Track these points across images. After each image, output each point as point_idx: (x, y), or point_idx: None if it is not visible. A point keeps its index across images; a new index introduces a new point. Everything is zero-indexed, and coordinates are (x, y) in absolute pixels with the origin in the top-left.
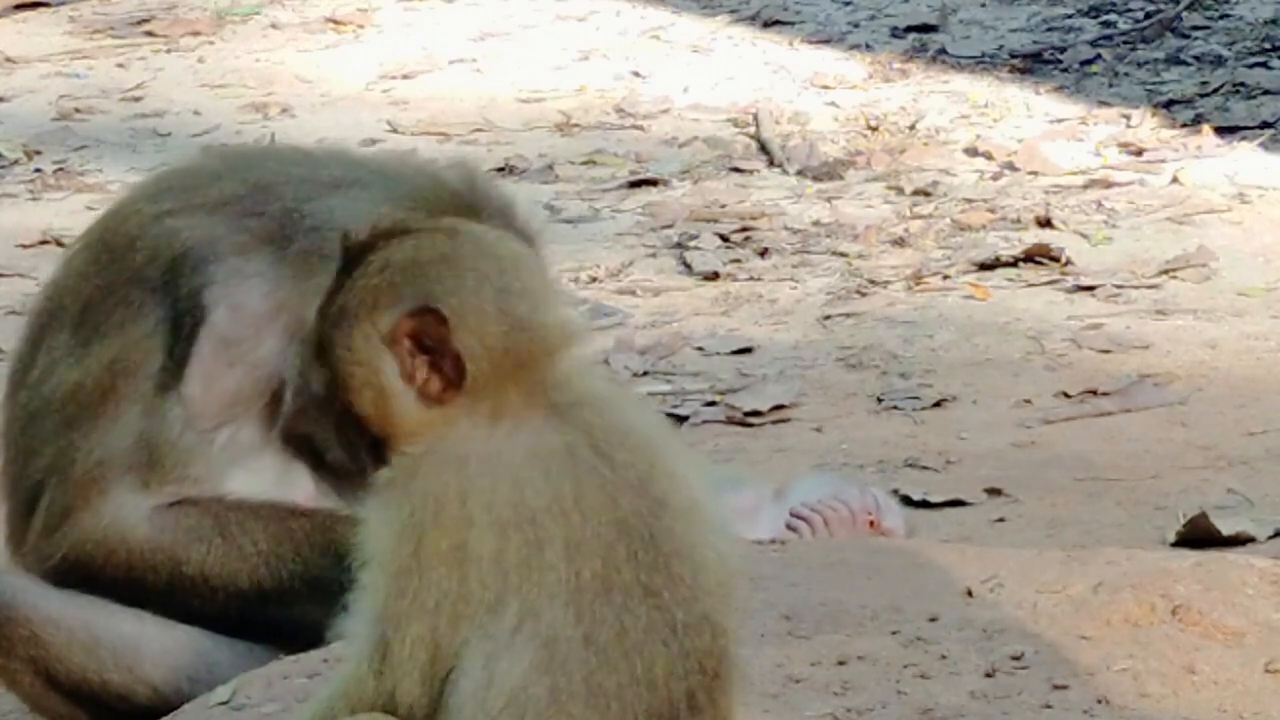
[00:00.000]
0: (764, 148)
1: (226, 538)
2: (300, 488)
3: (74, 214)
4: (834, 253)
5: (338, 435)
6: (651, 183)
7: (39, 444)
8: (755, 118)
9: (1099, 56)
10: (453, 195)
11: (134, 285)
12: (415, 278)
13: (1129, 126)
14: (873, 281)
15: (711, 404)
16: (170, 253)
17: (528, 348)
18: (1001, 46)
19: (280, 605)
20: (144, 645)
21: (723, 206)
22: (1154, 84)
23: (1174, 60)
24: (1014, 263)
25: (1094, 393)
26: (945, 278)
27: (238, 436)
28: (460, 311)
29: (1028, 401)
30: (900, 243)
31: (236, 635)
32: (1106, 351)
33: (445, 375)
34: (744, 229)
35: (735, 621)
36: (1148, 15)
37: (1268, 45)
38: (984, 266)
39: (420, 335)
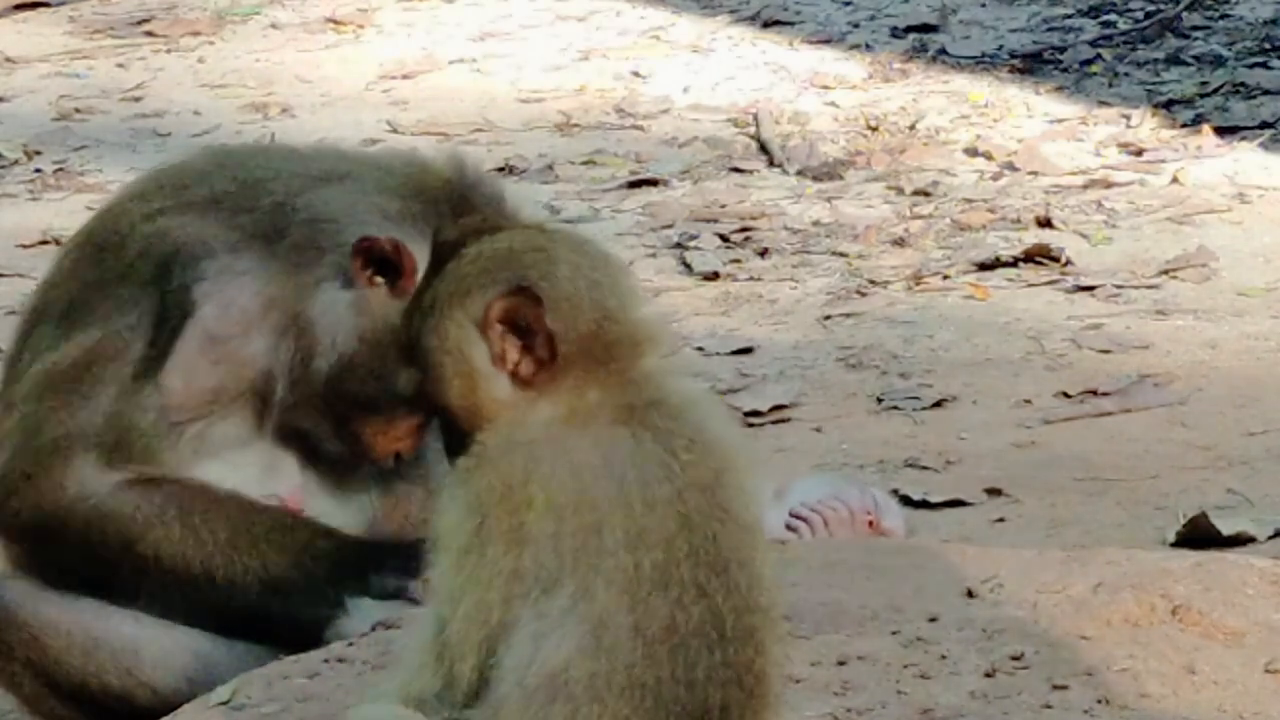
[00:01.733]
0: (764, 148)
1: (185, 522)
2: (285, 483)
3: (74, 214)
4: (834, 253)
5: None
6: (651, 183)
7: (9, 410)
8: (755, 118)
9: (1099, 56)
10: (443, 184)
11: (123, 282)
12: (510, 264)
13: (1129, 126)
14: (873, 281)
15: None
16: (161, 251)
17: (616, 341)
18: (1001, 46)
19: (229, 595)
20: (143, 647)
21: (723, 206)
22: (1154, 84)
23: (1174, 60)
24: (1014, 263)
25: (1094, 393)
26: (945, 278)
27: (209, 430)
28: (554, 296)
29: (1028, 401)
30: (900, 243)
31: (181, 620)
32: (1106, 351)
33: (537, 357)
34: (744, 229)
35: (780, 650)
36: (1148, 15)
37: (1268, 45)
38: (984, 266)
39: (514, 316)
